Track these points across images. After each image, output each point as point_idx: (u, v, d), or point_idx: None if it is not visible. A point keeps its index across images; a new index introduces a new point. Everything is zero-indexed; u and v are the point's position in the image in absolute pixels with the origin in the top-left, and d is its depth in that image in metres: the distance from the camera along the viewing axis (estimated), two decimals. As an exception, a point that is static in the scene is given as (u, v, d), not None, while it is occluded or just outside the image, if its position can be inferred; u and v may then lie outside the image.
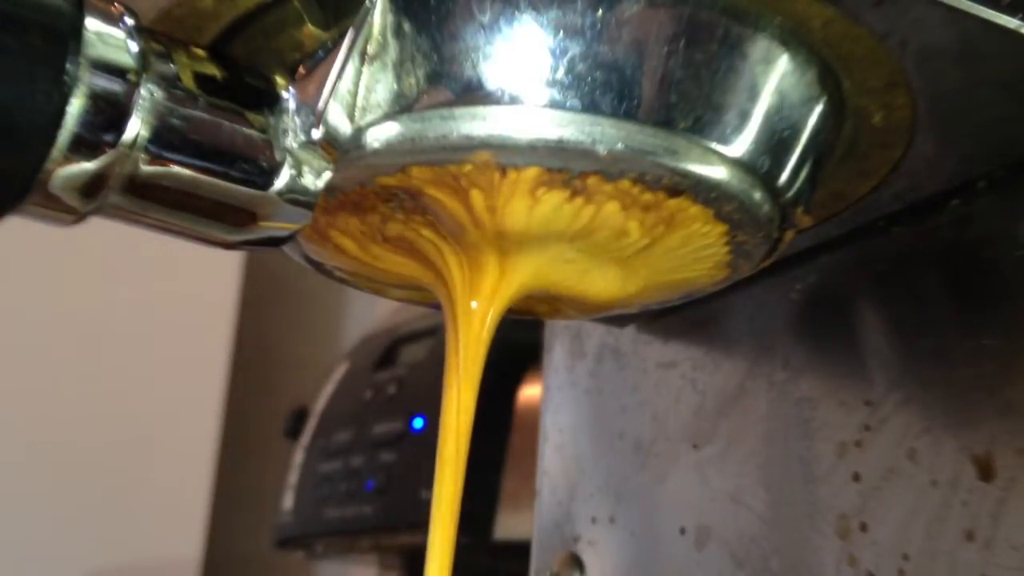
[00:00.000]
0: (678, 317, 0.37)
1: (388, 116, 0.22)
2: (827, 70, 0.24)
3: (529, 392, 0.71)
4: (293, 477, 0.88)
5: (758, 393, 0.34)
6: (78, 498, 0.94)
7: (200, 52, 0.21)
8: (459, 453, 0.24)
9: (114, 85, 0.19)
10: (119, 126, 0.20)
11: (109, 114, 0.19)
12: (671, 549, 0.36)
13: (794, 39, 0.23)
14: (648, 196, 0.23)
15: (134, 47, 0.20)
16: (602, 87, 0.21)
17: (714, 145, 0.22)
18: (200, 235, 0.22)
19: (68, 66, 0.19)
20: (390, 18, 0.21)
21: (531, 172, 0.22)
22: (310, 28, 0.23)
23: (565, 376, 0.42)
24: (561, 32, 0.21)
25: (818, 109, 0.24)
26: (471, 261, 0.24)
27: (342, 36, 0.22)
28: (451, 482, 0.24)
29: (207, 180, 0.21)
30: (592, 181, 0.22)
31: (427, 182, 0.22)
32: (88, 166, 0.19)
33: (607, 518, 0.38)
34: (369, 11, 0.21)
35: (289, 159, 0.21)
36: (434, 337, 0.79)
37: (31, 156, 0.19)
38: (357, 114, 0.21)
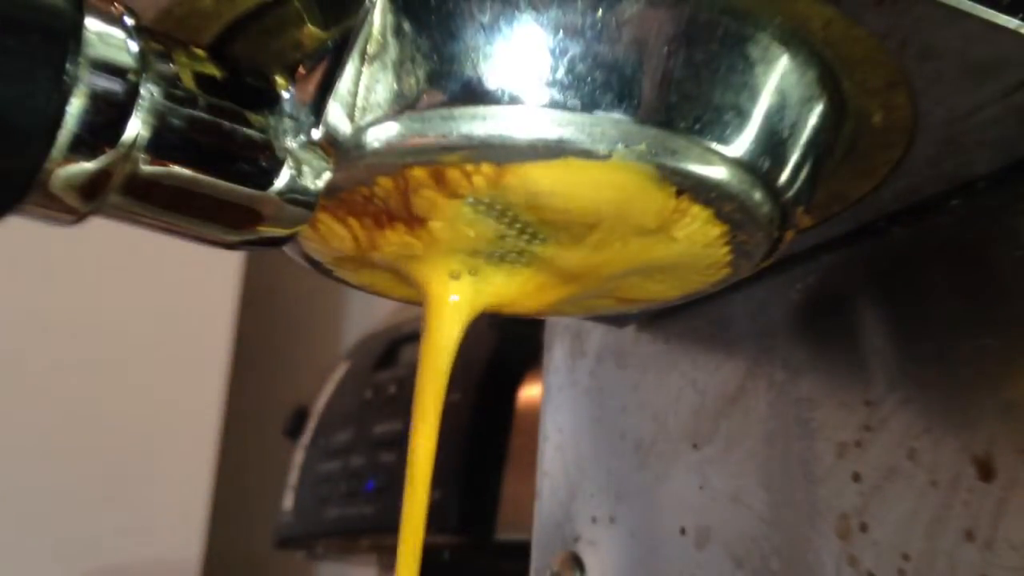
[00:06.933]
0: (678, 317, 0.37)
1: (388, 116, 0.22)
2: (827, 70, 0.24)
3: (529, 392, 0.71)
4: (293, 477, 0.88)
5: (758, 393, 0.34)
6: (78, 498, 0.94)
7: (200, 52, 0.21)
8: (426, 468, 0.25)
9: (114, 85, 0.19)
10: (119, 126, 0.19)
11: (109, 114, 0.19)
12: (671, 549, 0.36)
13: (794, 39, 0.23)
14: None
15: (134, 47, 0.20)
16: (602, 87, 0.21)
17: (714, 145, 0.22)
18: (200, 235, 0.22)
19: (68, 66, 0.19)
20: (390, 18, 0.21)
21: (531, 172, 0.22)
22: (310, 28, 0.22)
23: (565, 376, 0.42)
24: (561, 32, 0.21)
25: (818, 109, 0.24)
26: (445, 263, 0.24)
27: (342, 36, 0.22)
28: (421, 483, 0.25)
29: (207, 180, 0.21)
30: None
31: (425, 183, 0.22)
32: (88, 166, 0.19)
33: (607, 518, 0.38)
34: (369, 11, 0.21)
35: (289, 159, 0.21)
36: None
37: (31, 156, 0.19)
38: (357, 114, 0.21)
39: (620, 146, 0.22)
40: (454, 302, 0.25)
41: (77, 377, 0.95)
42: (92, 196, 0.20)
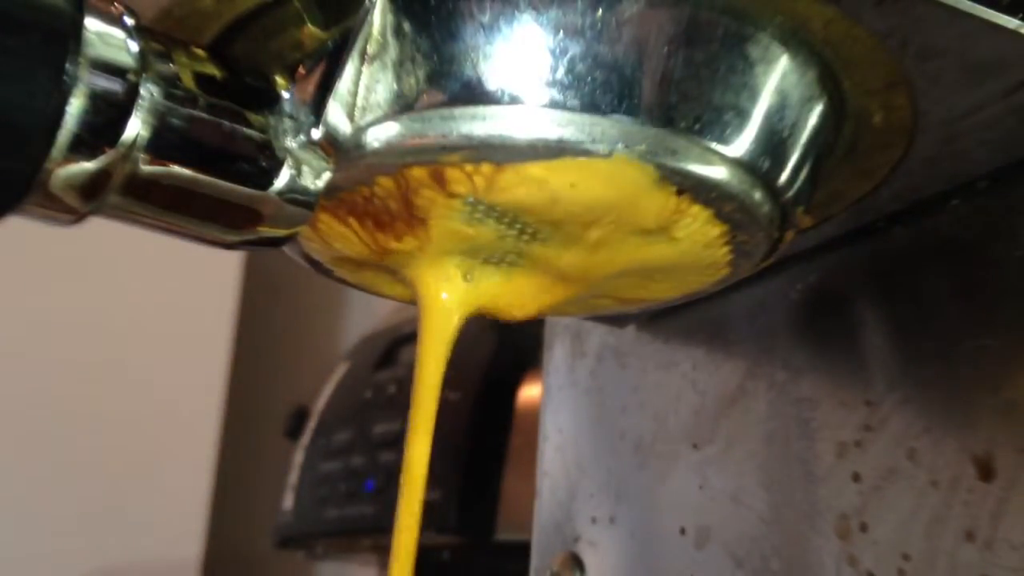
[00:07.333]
0: (678, 317, 0.37)
1: (388, 116, 0.22)
2: (827, 70, 0.24)
3: (529, 392, 0.71)
4: (293, 477, 0.88)
5: (758, 393, 0.34)
6: (78, 498, 0.94)
7: (200, 52, 0.21)
8: (422, 473, 0.25)
9: (114, 85, 0.19)
10: (119, 126, 0.20)
11: (109, 114, 0.19)
12: (671, 549, 0.36)
13: (794, 39, 0.23)
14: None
15: (134, 47, 0.20)
16: (602, 87, 0.21)
17: (714, 145, 0.22)
18: (200, 235, 0.22)
19: (68, 66, 0.19)
20: (390, 18, 0.21)
21: (531, 171, 0.22)
22: (310, 28, 0.23)
23: (565, 376, 0.42)
24: (561, 32, 0.21)
25: (818, 109, 0.24)
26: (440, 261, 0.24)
27: (342, 36, 0.22)
28: (417, 484, 0.25)
29: (207, 180, 0.21)
30: (592, 181, 0.22)
31: (425, 183, 0.22)
32: (88, 166, 0.19)
33: (607, 518, 0.38)
34: (369, 11, 0.21)
35: (289, 159, 0.21)
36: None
37: (31, 156, 0.19)
38: (357, 114, 0.21)
39: (620, 146, 0.22)
40: (448, 303, 0.25)
41: (77, 377, 0.95)
42: (92, 196, 0.20)
